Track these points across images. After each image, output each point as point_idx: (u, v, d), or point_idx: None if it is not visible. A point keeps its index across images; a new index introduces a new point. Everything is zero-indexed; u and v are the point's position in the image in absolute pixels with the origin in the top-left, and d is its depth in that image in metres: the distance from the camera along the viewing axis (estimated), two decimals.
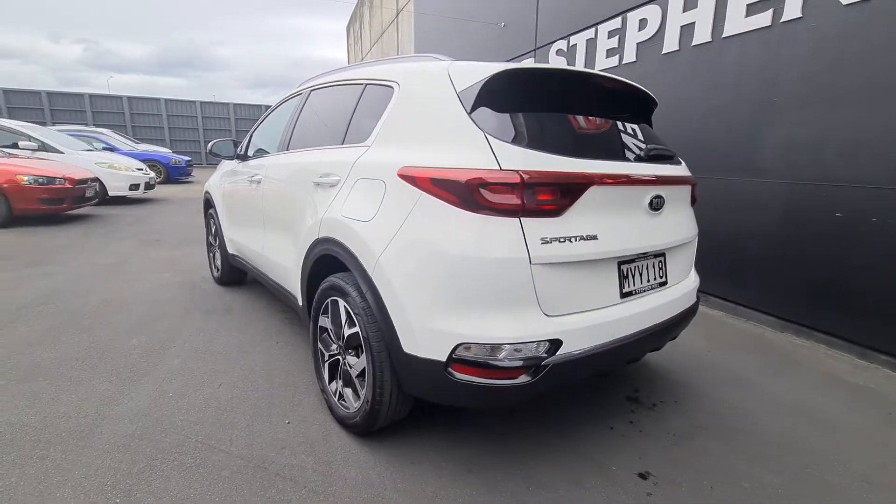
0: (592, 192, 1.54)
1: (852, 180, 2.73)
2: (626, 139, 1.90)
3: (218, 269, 3.91)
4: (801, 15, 2.90)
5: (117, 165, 8.86)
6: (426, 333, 1.51)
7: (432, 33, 9.44)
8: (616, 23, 4.28)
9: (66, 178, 6.50)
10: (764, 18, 3.05)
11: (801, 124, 2.96)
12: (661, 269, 1.88)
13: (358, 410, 1.81)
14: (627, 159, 1.77)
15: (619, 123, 1.92)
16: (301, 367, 2.48)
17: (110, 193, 8.68)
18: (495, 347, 1.45)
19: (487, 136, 1.50)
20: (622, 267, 1.70)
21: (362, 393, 1.79)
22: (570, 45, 4.96)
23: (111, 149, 11.24)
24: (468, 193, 1.43)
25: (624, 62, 4.24)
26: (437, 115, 1.67)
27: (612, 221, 1.62)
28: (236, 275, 3.78)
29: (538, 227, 1.45)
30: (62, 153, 8.17)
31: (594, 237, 1.54)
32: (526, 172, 1.43)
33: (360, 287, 1.71)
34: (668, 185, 1.83)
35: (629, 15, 4.12)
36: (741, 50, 3.24)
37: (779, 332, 3.21)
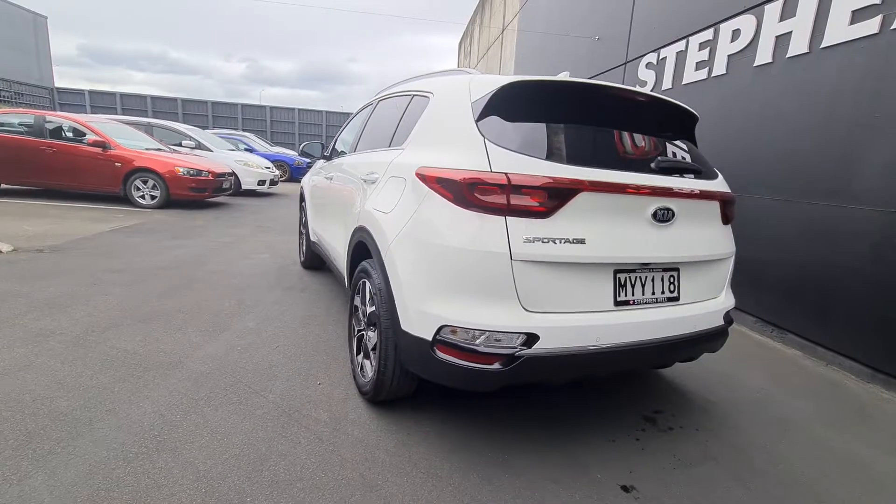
0: (583, 198, 1.61)
1: None
2: (636, 150, 1.90)
3: (303, 255, 4.51)
4: None
5: (250, 163, 10.43)
6: (418, 314, 1.70)
7: (532, 49, 9.57)
8: (708, 34, 4.04)
9: (210, 171, 7.87)
10: (871, 26, 2.69)
11: None
12: (672, 283, 1.84)
13: (369, 380, 2.06)
14: (631, 169, 1.78)
15: (630, 135, 1.92)
16: (343, 342, 2.83)
17: (243, 187, 10.24)
18: (474, 333, 1.59)
19: (487, 141, 1.66)
20: (619, 275, 1.71)
21: (374, 365, 2.04)
22: (660, 58, 4.76)
23: (250, 150, 13.22)
24: (462, 192, 1.61)
25: (713, 75, 3.97)
26: (453, 122, 1.87)
27: (605, 228, 1.66)
28: (316, 260, 4.29)
29: (523, 226, 1.56)
30: (212, 151, 9.96)
31: (582, 241, 1.60)
32: (513, 174, 1.56)
33: (378, 270, 1.96)
34: (681, 197, 1.79)
35: (722, 26, 3.86)
36: (841, 61, 2.88)
37: (864, 383, 2.77)
